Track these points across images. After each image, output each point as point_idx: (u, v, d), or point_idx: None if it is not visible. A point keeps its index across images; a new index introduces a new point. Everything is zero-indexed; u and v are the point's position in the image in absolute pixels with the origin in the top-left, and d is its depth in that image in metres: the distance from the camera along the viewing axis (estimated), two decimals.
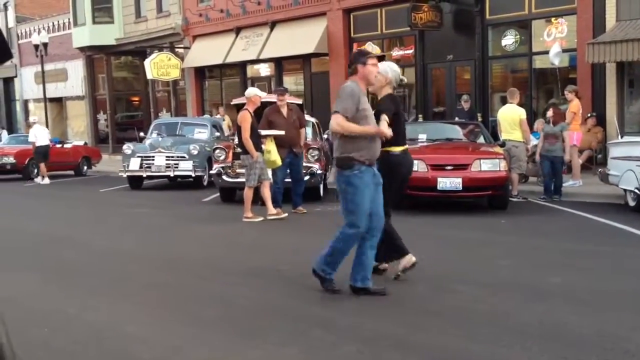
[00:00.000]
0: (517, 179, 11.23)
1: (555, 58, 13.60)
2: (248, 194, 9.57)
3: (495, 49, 16.12)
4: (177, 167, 14.30)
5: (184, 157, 14.32)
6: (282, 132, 10.61)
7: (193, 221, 10.06)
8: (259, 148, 9.52)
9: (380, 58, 5.47)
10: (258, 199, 10.04)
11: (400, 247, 5.79)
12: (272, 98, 10.63)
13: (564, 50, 14.28)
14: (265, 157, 9.70)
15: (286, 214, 9.62)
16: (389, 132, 5.28)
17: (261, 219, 9.52)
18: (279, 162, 10.14)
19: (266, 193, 9.64)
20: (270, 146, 9.82)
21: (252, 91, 10.03)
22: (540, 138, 11.01)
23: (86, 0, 26.32)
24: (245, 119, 9.44)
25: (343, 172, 5.23)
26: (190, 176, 14.39)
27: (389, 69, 5.84)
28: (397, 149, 5.77)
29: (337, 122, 5.12)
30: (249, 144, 9.39)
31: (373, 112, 5.46)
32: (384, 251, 5.74)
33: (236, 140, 10.50)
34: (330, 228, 9.16)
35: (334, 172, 5.44)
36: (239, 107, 12.70)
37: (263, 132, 9.79)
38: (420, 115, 17.22)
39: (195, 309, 5.14)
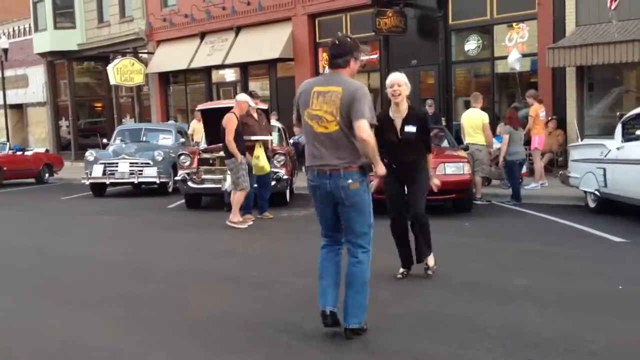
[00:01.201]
0: (481, 182, 11.37)
1: (515, 63, 13.84)
2: (239, 198, 9.47)
3: (458, 54, 16.32)
4: (141, 174, 14.14)
5: (149, 163, 14.17)
6: (271, 137, 10.64)
7: (158, 228, 9.95)
8: (243, 152, 9.50)
9: None
10: (224, 205, 10.00)
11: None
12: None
13: (526, 55, 14.53)
14: (254, 163, 9.70)
15: (250, 223, 9.55)
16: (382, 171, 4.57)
17: (248, 225, 9.45)
18: (268, 168, 10.17)
19: (238, 199, 9.56)
20: (259, 152, 9.82)
21: (243, 97, 9.98)
22: (504, 141, 11.16)
23: (47, 5, 25.91)
24: (231, 121, 9.41)
25: (366, 180, 4.41)
26: (154, 183, 14.23)
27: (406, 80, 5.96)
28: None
29: (368, 132, 4.20)
30: (233, 145, 9.37)
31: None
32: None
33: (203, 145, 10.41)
34: (298, 233, 9.25)
35: (319, 178, 4.39)
36: (204, 113, 12.71)
37: (253, 138, 9.73)
38: None
39: (161, 317, 5.08)
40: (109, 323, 4.97)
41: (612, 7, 12.32)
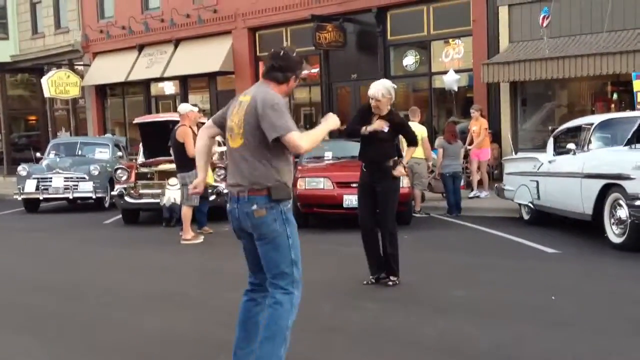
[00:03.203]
0: (420, 195, 11.52)
1: (453, 84, 14.16)
2: (187, 213, 9.30)
3: (397, 69, 16.56)
4: (76, 189, 13.75)
5: (84, 177, 13.80)
6: (218, 150, 10.56)
7: (93, 245, 9.69)
8: (194, 166, 9.33)
9: None
10: (176, 221, 9.89)
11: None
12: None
13: (462, 71, 14.86)
14: None
15: (202, 238, 9.41)
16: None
17: (201, 239, 9.31)
18: (212, 181, 10.31)
19: (188, 215, 9.41)
20: None
21: (186, 107, 9.87)
22: (439, 155, 11.36)
23: None
24: (188, 134, 9.26)
25: (280, 207, 3.67)
26: (90, 198, 13.88)
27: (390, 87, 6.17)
28: None
29: (300, 141, 3.58)
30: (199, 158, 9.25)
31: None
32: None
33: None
34: (238, 248, 9.06)
35: (257, 211, 3.66)
36: (142, 126, 12.50)
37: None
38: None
39: (96, 337, 4.94)
40: (42, 344, 4.79)
41: (544, 25, 12.73)
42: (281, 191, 3.65)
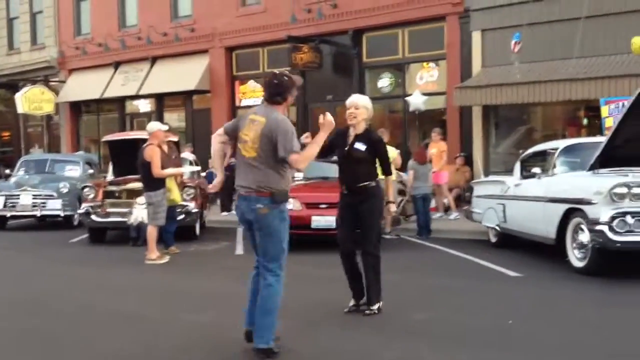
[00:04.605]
0: (391, 217, 11.51)
1: (419, 105, 14.28)
2: (153, 233, 9.22)
3: (372, 91, 16.60)
4: (44, 206, 13.57)
5: (52, 195, 13.62)
6: (185, 170, 10.52)
7: (58, 263, 9.57)
8: (162, 186, 9.30)
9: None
10: (143, 241, 9.79)
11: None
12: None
13: (435, 94, 14.99)
14: (166, 196, 9.52)
15: (167, 258, 9.31)
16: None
17: (167, 260, 9.21)
18: (179, 200, 10.21)
19: (153, 234, 9.30)
20: (171, 184, 9.79)
21: (155, 125, 9.85)
22: (410, 177, 11.41)
23: None
24: (156, 152, 9.22)
25: (280, 207, 4.66)
26: (59, 216, 13.70)
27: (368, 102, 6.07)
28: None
29: (297, 164, 4.62)
30: (167, 173, 9.34)
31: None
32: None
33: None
34: (204, 268, 9.05)
35: (248, 208, 4.65)
36: (111, 144, 12.40)
37: (169, 171, 9.51)
38: None
39: (55, 356, 4.88)
40: None
41: (515, 50, 12.90)
42: (282, 196, 4.66)
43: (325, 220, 9.79)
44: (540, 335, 5.21)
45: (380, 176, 5.91)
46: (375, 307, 5.89)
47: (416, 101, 14.26)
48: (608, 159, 7.59)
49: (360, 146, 5.87)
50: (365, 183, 5.87)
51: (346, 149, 5.92)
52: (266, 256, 4.66)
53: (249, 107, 18.70)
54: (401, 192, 12.28)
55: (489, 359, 4.65)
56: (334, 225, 9.59)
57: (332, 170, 12.07)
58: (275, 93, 4.74)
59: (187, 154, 13.62)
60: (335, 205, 9.67)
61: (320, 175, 11.70)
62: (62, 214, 13.62)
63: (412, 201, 11.59)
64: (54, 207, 13.58)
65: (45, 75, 23.14)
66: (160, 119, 19.42)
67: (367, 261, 5.89)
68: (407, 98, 14.60)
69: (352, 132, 5.98)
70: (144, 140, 10.12)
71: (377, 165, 6.08)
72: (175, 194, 9.95)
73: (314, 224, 9.79)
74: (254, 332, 4.65)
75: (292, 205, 9.88)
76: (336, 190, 10.45)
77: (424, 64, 15.64)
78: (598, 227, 6.96)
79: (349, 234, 5.96)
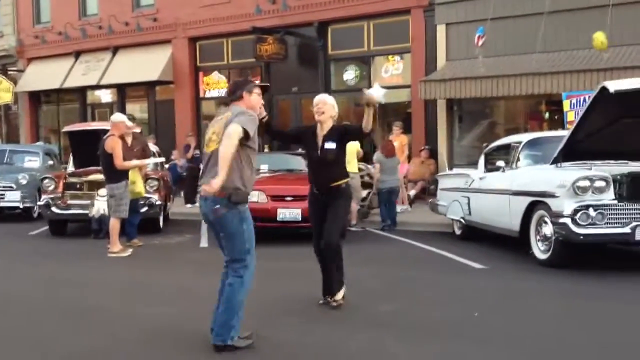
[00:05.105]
0: (356, 209, 11.53)
1: (381, 98, 14.29)
2: (116, 225, 9.04)
3: (337, 83, 16.63)
4: (3, 198, 13.28)
5: (11, 187, 13.32)
6: (148, 162, 10.37)
7: (15, 257, 9.32)
8: (124, 178, 9.13)
9: (265, 88, 5.10)
10: (105, 233, 9.62)
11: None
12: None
13: (400, 87, 15.03)
14: (130, 189, 9.34)
15: (130, 251, 9.16)
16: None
17: (129, 252, 9.04)
18: (143, 193, 10.12)
19: (116, 227, 9.13)
20: (135, 177, 9.64)
21: (118, 117, 9.70)
22: (376, 170, 11.43)
23: None
24: (117, 144, 9.03)
25: (238, 208, 4.51)
26: (18, 208, 13.42)
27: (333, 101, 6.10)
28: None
29: (232, 139, 4.33)
30: (130, 165, 9.19)
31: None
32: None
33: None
34: (167, 261, 8.93)
35: (213, 207, 4.50)
36: (72, 135, 12.14)
37: (132, 163, 9.32)
38: (266, 146, 17.30)
39: (16, 355, 4.73)
40: None
41: (479, 44, 13.00)
42: (240, 196, 4.47)
43: (290, 212, 9.76)
44: (507, 327, 5.26)
45: (351, 171, 5.90)
46: (340, 296, 5.94)
47: (377, 94, 14.26)
48: (570, 153, 7.69)
49: (331, 145, 5.89)
50: (337, 183, 5.91)
51: (318, 152, 5.91)
52: (229, 256, 4.62)
53: (213, 98, 18.69)
54: (368, 185, 12.31)
55: (455, 350, 4.66)
56: (299, 217, 9.65)
57: (297, 162, 12.12)
58: (231, 92, 4.84)
59: (150, 146, 13.41)
60: (300, 197, 9.76)
61: (285, 167, 11.68)
62: (21, 205, 13.38)
63: (377, 194, 11.60)
64: (13, 198, 13.32)
65: (4, 64, 22.60)
66: (122, 109, 19.13)
67: (328, 252, 5.91)
68: (365, 89, 14.58)
69: (319, 132, 5.96)
70: (106, 131, 9.92)
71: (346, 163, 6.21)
72: (139, 186, 9.82)
73: (279, 217, 9.74)
74: (214, 328, 4.63)
75: (257, 197, 9.84)
76: (301, 183, 10.46)
77: (389, 57, 15.68)
78: (561, 220, 7.05)
79: (320, 232, 5.96)
